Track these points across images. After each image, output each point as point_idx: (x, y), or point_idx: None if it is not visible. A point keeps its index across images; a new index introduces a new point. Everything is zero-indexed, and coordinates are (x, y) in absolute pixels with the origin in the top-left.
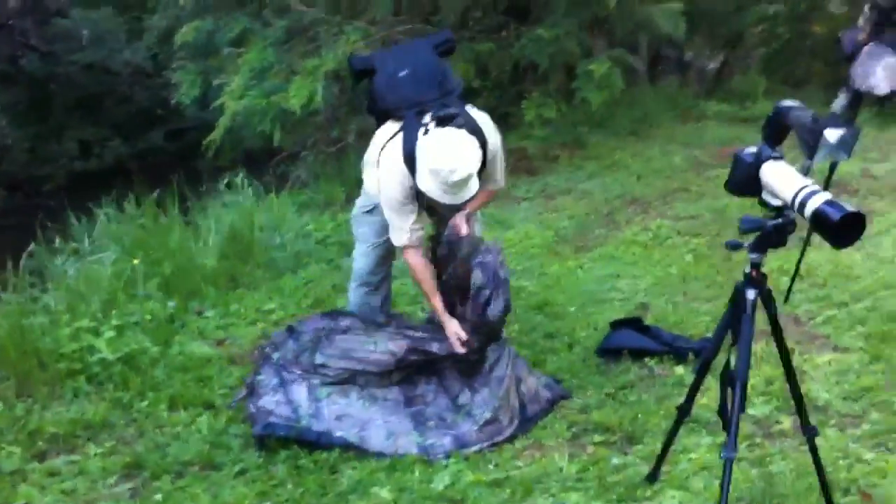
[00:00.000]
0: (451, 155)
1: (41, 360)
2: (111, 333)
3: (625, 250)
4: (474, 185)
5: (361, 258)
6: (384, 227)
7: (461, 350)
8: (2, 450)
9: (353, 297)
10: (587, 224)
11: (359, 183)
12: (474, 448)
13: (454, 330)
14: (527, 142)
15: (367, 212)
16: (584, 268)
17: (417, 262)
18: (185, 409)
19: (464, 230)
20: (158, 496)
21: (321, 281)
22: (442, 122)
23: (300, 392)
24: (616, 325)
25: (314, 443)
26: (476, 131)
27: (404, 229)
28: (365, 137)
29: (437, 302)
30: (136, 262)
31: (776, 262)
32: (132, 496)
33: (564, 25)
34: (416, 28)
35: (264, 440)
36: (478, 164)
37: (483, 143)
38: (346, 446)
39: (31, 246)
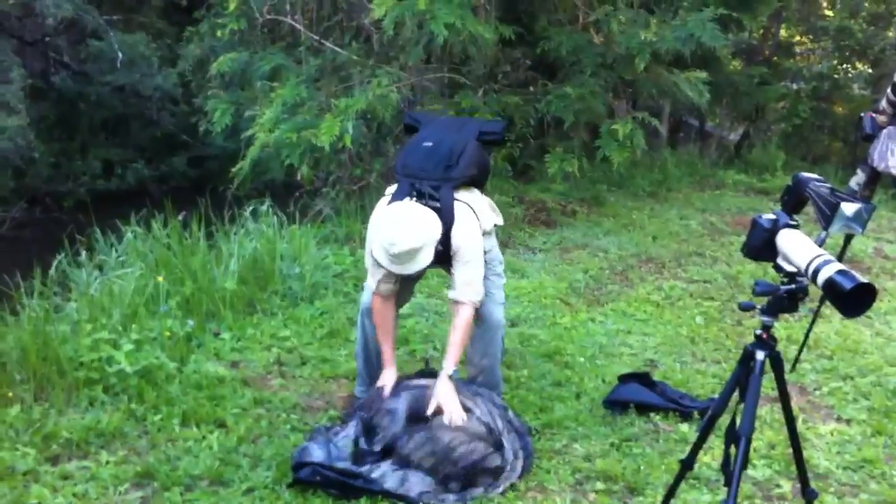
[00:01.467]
0: (396, 228)
1: (60, 367)
2: (130, 346)
3: (637, 307)
4: (423, 259)
5: (367, 290)
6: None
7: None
8: (17, 450)
9: (358, 327)
10: (601, 279)
11: None
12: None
13: (384, 381)
14: (546, 195)
15: None
16: (595, 321)
17: (379, 308)
18: (198, 425)
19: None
20: None
21: (336, 312)
22: (420, 197)
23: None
24: (624, 378)
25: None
26: (446, 220)
27: (374, 279)
28: (387, 178)
29: (387, 348)
30: (160, 279)
31: (785, 331)
32: None
33: (591, 85)
34: (445, 77)
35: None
36: (427, 241)
37: (447, 234)
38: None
39: (60, 256)
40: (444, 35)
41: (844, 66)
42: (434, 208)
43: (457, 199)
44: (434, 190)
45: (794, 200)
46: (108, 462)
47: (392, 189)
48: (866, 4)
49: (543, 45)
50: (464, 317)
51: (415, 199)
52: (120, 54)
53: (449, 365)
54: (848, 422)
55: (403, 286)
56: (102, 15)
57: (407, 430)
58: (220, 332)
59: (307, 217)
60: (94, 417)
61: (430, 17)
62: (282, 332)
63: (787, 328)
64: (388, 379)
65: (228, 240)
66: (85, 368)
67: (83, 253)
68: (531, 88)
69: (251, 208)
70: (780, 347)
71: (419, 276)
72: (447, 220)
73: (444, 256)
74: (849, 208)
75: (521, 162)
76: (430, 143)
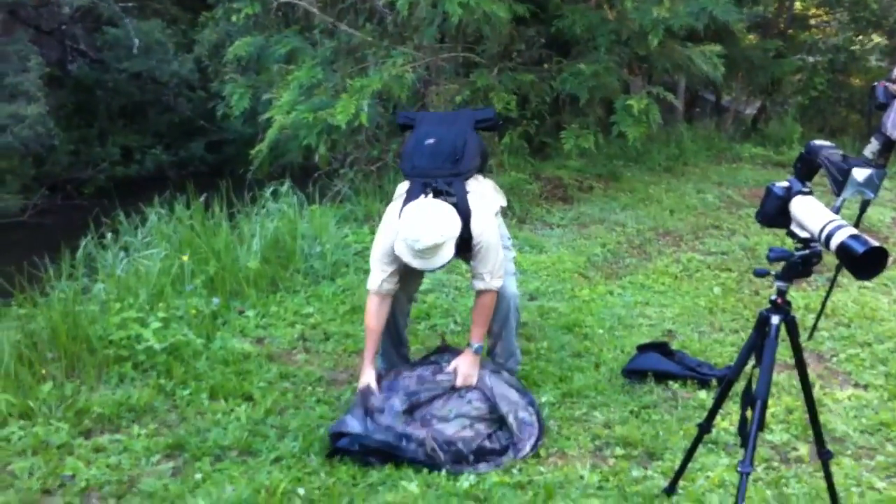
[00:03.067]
0: (420, 224)
1: (90, 346)
2: (157, 324)
3: (655, 280)
4: (446, 254)
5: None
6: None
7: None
8: (51, 425)
9: None
10: (619, 253)
11: None
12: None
13: (365, 381)
14: (562, 171)
15: None
16: (613, 293)
17: (373, 308)
18: (226, 399)
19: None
20: (198, 476)
21: (357, 289)
22: (437, 195)
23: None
24: (642, 348)
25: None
26: (463, 214)
27: (378, 278)
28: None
29: (368, 351)
30: (185, 258)
31: (803, 300)
32: (173, 474)
33: (605, 62)
34: (459, 56)
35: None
36: (449, 236)
37: (466, 226)
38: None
39: (88, 238)
40: (459, 14)
41: (860, 37)
42: (451, 203)
43: (468, 192)
44: (448, 186)
45: (806, 168)
46: (139, 435)
47: (403, 188)
48: None
49: (557, 23)
50: (487, 301)
51: (430, 196)
52: (136, 41)
53: (473, 340)
54: (865, 387)
55: (412, 280)
56: (118, 2)
57: (405, 428)
58: (245, 310)
59: (326, 198)
60: (124, 393)
61: None
62: (305, 310)
63: (804, 297)
64: (368, 378)
65: (250, 221)
66: (114, 346)
67: (108, 236)
68: (546, 66)
69: (272, 189)
70: (798, 316)
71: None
72: (464, 213)
73: (463, 247)
74: (860, 174)
75: (538, 139)
76: (431, 140)
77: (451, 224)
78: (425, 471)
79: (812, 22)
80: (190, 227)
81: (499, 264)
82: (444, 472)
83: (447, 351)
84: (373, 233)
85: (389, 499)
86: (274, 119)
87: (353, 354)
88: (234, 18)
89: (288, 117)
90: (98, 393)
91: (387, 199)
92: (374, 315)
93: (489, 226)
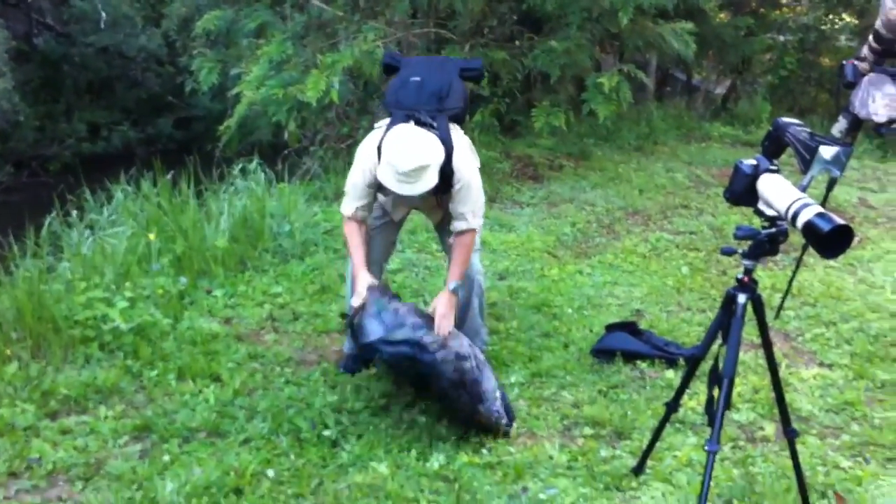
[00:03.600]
0: (404, 148)
1: (56, 326)
2: (124, 304)
3: (623, 259)
4: (430, 178)
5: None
6: (376, 234)
7: (356, 302)
8: (16, 406)
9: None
10: (588, 232)
11: None
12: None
13: (361, 286)
14: (533, 150)
15: None
16: (582, 273)
17: (350, 229)
18: (194, 380)
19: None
20: (166, 458)
21: (327, 269)
22: (419, 125)
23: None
24: (611, 327)
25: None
26: (448, 151)
27: (353, 203)
28: None
29: (360, 255)
30: (152, 237)
31: (769, 280)
32: (141, 456)
33: (577, 39)
34: (430, 32)
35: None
36: (434, 160)
37: (450, 164)
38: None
39: (51, 216)
40: None
41: (830, 17)
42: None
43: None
44: (431, 119)
45: (774, 146)
46: (106, 416)
47: (383, 123)
48: None
49: (529, 1)
50: (468, 240)
51: (413, 124)
52: (103, 14)
53: (451, 280)
54: (830, 366)
55: (387, 236)
56: None
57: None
58: (213, 290)
59: (296, 176)
60: (90, 374)
61: None
62: (273, 289)
63: (771, 277)
64: (364, 281)
65: (218, 199)
66: (80, 326)
67: (73, 214)
68: (517, 43)
69: (240, 167)
70: (764, 296)
71: (401, 222)
72: (447, 147)
73: (443, 187)
74: (827, 151)
75: (508, 117)
76: (417, 79)
77: (435, 149)
78: (395, 450)
79: (783, 0)
80: (157, 204)
81: (480, 203)
82: (413, 453)
83: None
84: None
85: (359, 479)
86: (243, 95)
87: (322, 334)
88: None
89: (257, 93)
90: (64, 374)
91: None
92: (354, 234)
93: (470, 163)
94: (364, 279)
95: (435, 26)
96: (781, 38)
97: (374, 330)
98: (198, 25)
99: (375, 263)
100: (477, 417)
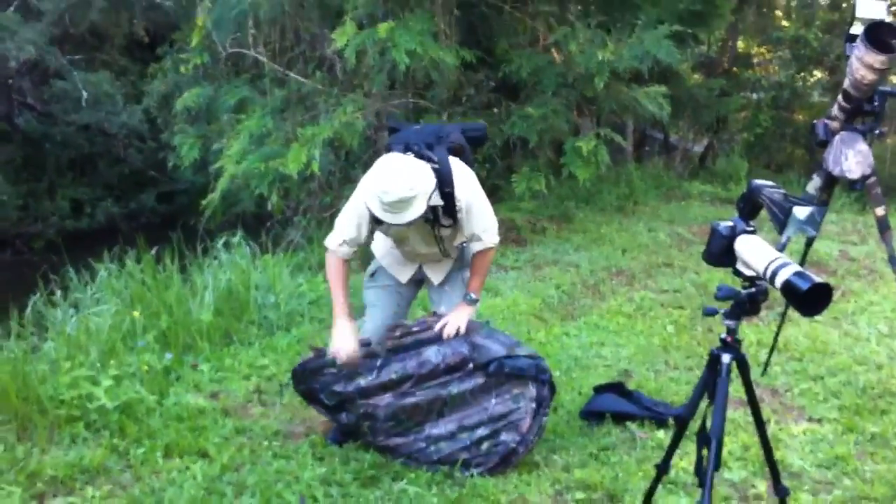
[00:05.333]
0: (389, 177)
1: (41, 406)
2: (109, 382)
3: (609, 319)
4: (416, 209)
5: (367, 321)
6: (388, 295)
7: (340, 357)
8: (2, 489)
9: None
10: (573, 293)
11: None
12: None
13: (341, 337)
14: (515, 214)
15: (371, 275)
16: (569, 335)
17: (332, 263)
18: (181, 456)
19: (461, 327)
20: None
21: (313, 339)
22: (417, 155)
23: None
24: (599, 389)
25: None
26: (446, 177)
27: (339, 237)
28: None
29: (342, 298)
30: (136, 314)
31: (755, 336)
32: None
33: (553, 104)
34: (409, 102)
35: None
36: (420, 191)
37: (448, 189)
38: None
39: (37, 296)
40: (406, 62)
41: (802, 74)
42: (431, 164)
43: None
44: (429, 150)
45: (749, 207)
46: (93, 497)
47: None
48: (820, 13)
49: (505, 68)
50: (488, 256)
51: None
52: (84, 93)
53: (471, 292)
54: (819, 421)
55: (396, 301)
56: (65, 55)
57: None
58: (199, 364)
59: (280, 246)
60: (77, 454)
61: (392, 44)
62: (260, 361)
63: (757, 332)
64: (346, 332)
65: (202, 272)
66: (66, 406)
67: (58, 292)
68: (495, 110)
69: (223, 240)
70: (751, 351)
71: (411, 292)
72: (445, 175)
73: (449, 212)
74: (801, 212)
75: (489, 182)
76: (418, 127)
77: (422, 178)
78: None
79: (755, 60)
80: (141, 281)
81: (492, 220)
82: None
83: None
84: (326, 281)
85: None
86: (225, 169)
87: (309, 407)
88: (183, 69)
89: (239, 167)
90: (50, 455)
91: None
92: (335, 269)
93: (470, 186)
94: (346, 333)
95: (413, 96)
96: (755, 96)
97: (495, 348)
98: (178, 102)
99: (382, 329)
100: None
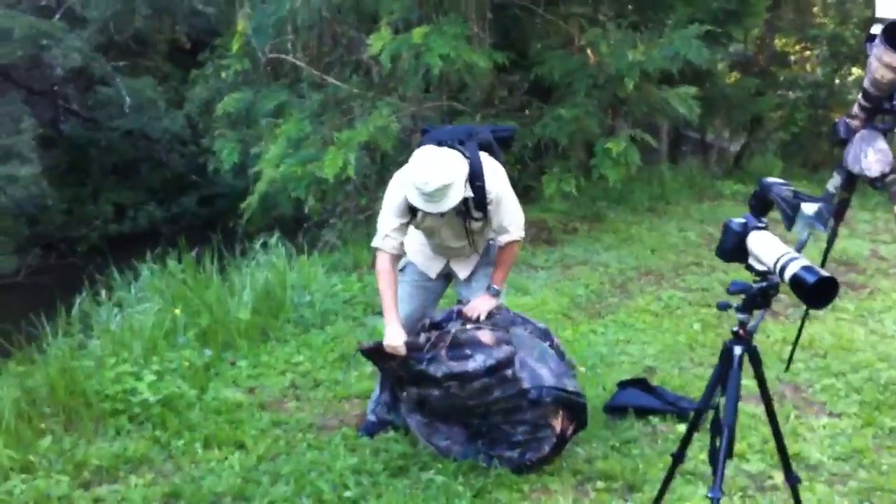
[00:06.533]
0: (427, 167)
1: (87, 400)
2: (151, 377)
3: (636, 318)
4: (455, 195)
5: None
6: (417, 289)
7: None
8: (51, 478)
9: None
10: (601, 292)
11: None
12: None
13: (391, 335)
14: (546, 214)
15: (401, 270)
16: (596, 332)
17: (383, 267)
18: (219, 447)
19: (482, 313)
20: None
21: (347, 337)
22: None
23: None
24: (623, 384)
25: None
26: (477, 170)
27: (383, 232)
28: None
29: (391, 306)
30: (177, 312)
31: (781, 333)
32: None
33: (584, 106)
34: (443, 105)
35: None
36: (457, 177)
37: (480, 181)
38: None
39: (83, 295)
40: (440, 66)
41: (839, 72)
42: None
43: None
44: (460, 144)
45: (760, 204)
46: (136, 485)
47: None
48: (857, 10)
49: (537, 70)
50: (514, 249)
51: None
52: (128, 99)
53: (494, 284)
54: (839, 416)
55: (425, 296)
56: (109, 62)
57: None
58: (236, 361)
59: (316, 248)
60: (121, 445)
61: (426, 49)
62: (295, 358)
63: (783, 330)
64: (395, 334)
65: (240, 273)
66: (110, 400)
67: (103, 292)
68: (527, 112)
69: (261, 241)
70: (775, 348)
71: (440, 287)
72: (476, 168)
73: (480, 204)
74: (809, 208)
75: (521, 183)
76: (450, 127)
77: (458, 165)
78: None
79: (792, 58)
80: (182, 281)
81: (519, 215)
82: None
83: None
84: (360, 280)
85: None
86: (263, 172)
87: (342, 400)
88: (223, 75)
89: (277, 170)
90: (95, 446)
91: None
92: (386, 273)
93: (500, 179)
94: (395, 334)
95: (447, 99)
96: (792, 94)
97: (544, 375)
98: (219, 107)
99: (410, 320)
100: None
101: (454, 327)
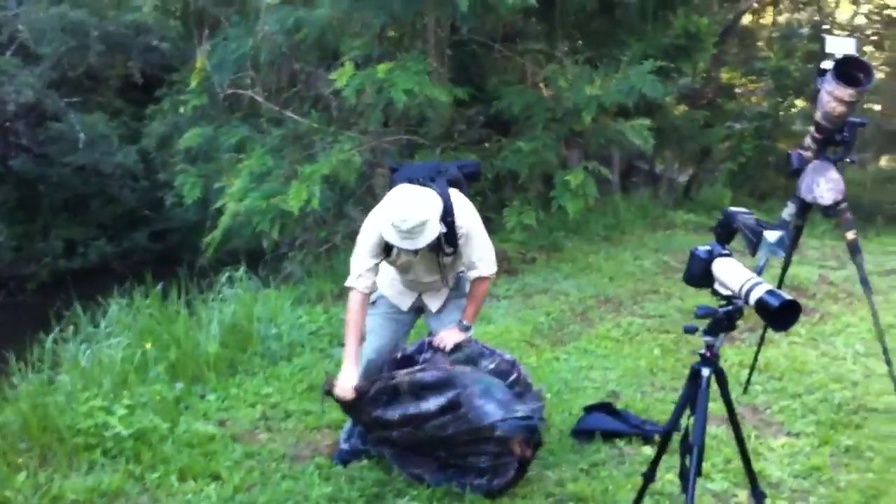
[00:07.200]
0: (404, 205)
1: (60, 435)
2: (123, 412)
3: (598, 344)
4: (430, 232)
5: (367, 346)
6: (388, 321)
7: (344, 395)
8: None
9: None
10: (563, 320)
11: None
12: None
13: (343, 379)
14: (506, 245)
15: (372, 303)
16: (559, 359)
17: (353, 307)
18: (194, 479)
19: (449, 344)
20: None
21: (314, 368)
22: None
23: None
24: (589, 409)
25: None
26: (447, 206)
27: (357, 272)
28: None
29: (353, 346)
30: (148, 346)
31: (737, 357)
32: None
33: (543, 139)
34: (402, 138)
35: None
36: (432, 214)
37: (450, 217)
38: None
39: (56, 331)
40: (404, 100)
41: (784, 103)
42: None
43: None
44: (430, 181)
45: (725, 232)
46: None
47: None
48: (801, 44)
49: (496, 104)
50: (484, 286)
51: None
52: (82, 135)
53: (465, 319)
54: (797, 435)
55: (396, 328)
56: (62, 97)
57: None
58: (206, 394)
59: (277, 280)
60: (95, 479)
61: (390, 84)
62: (264, 390)
63: (738, 354)
64: (349, 377)
65: (207, 306)
66: (83, 434)
67: (70, 328)
68: (486, 145)
69: (227, 275)
70: (732, 371)
71: (411, 319)
72: (446, 204)
73: (451, 239)
74: (771, 235)
75: (482, 215)
76: (419, 164)
77: (433, 203)
78: None
79: (738, 90)
80: (149, 315)
81: (489, 250)
82: None
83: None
84: (326, 312)
85: None
86: (226, 206)
87: (314, 430)
88: (181, 110)
89: (241, 204)
90: (70, 480)
91: (339, 280)
92: (355, 310)
93: (474, 217)
94: (348, 377)
95: (406, 133)
96: (738, 126)
97: (489, 411)
98: (180, 142)
99: (381, 352)
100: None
101: (399, 375)
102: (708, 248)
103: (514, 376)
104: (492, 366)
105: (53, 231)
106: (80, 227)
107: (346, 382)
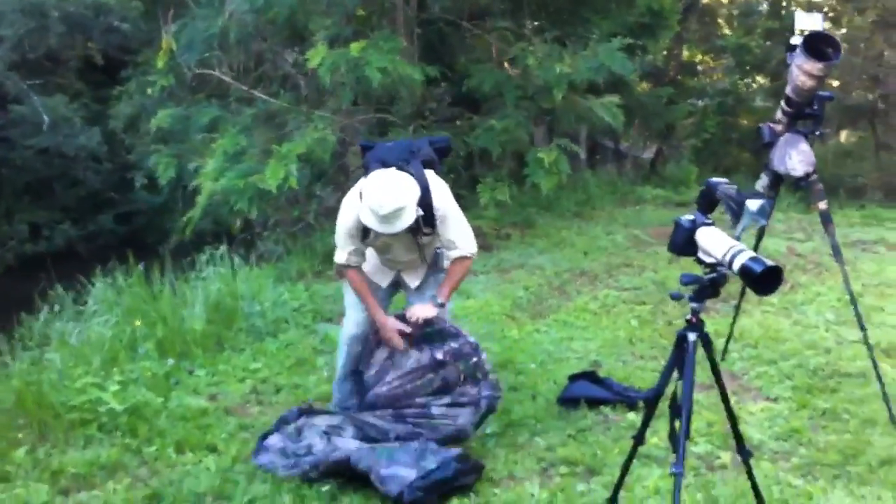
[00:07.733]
0: (381, 191)
1: (55, 411)
2: (116, 387)
3: (577, 316)
4: (408, 217)
5: (347, 319)
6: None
7: (400, 346)
8: (29, 486)
9: (340, 353)
10: (541, 294)
11: (326, 257)
12: None
13: (391, 326)
14: (480, 221)
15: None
16: (540, 331)
17: (353, 276)
18: (192, 451)
19: (420, 317)
20: None
21: (300, 343)
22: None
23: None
24: (573, 377)
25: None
26: (424, 188)
27: (345, 252)
28: (327, 216)
29: (369, 302)
30: (138, 324)
31: (713, 326)
32: None
33: (515, 117)
34: (373, 117)
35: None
36: (409, 200)
37: (427, 199)
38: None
39: (43, 310)
40: (378, 79)
41: (745, 80)
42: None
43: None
44: (406, 164)
45: (707, 202)
46: (115, 490)
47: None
48: (761, 21)
49: (468, 83)
50: (464, 264)
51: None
52: (46, 118)
53: (440, 296)
54: (775, 399)
55: (380, 304)
56: (22, 80)
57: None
58: (194, 370)
59: (251, 259)
60: (93, 453)
61: (364, 62)
62: (252, 365)
63: (714, 323)
64: (391, 325)
65: (189, 285)
66: (77, 410)
67: (55, 307)
68: (458, 123)
69: (208, 254)
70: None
71: (389, 294)
72: (422, 186)
73: (429, 220)
74: (753, 204)
75: (455, 192)
76: (390, 144)
77: (410, 189)
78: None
79: (700, 68)
80: (136, 293)
81: (466, 229)
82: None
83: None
84: (307, 289)
85: None
86: (203, 186)
87: (304, 403)
88: (149, 91)
89: (217, 184)
90: (68, 455)
91: (317, 258)
92: (358, 279)
93: (449, 198)
94: (391, 324)
95: (376, 112)
96: (701, 103)
97: (402, 474)
98: (152, 123)
99: (362, 325)
100: None
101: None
102: (691, 217)
103: (474, 360)
104: (455, 345)
105: (17, 215)
106: (45, 211)
107: (391, 328)
